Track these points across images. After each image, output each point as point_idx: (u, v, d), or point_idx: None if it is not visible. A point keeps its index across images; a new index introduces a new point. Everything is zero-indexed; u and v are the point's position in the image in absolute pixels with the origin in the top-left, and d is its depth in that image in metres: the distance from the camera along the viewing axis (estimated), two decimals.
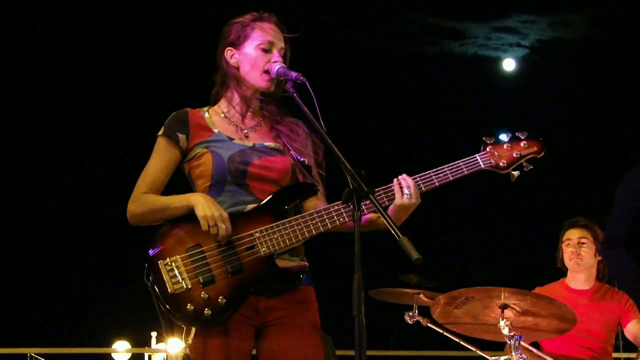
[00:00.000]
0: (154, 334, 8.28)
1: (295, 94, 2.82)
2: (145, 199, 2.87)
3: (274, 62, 2.92)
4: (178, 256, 2.76)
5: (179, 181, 2.99)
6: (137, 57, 7.98)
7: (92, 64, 7.95)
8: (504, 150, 2.99)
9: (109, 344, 8.12)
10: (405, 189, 2.83)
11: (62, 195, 8.25)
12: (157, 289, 2.73)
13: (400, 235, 2.40)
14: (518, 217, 8.46)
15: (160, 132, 2.95)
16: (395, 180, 2.87)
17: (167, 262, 2.75)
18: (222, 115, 2.99)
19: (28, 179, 8.16)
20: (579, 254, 4.73)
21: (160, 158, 2.92)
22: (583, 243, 4.74)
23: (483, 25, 8.96)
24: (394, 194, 2.86)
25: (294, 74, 2.85)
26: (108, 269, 7.90)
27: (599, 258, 4.76)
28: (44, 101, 8.02)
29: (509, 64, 9.39)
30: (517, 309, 4.07)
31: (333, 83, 7.80)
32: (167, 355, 7.47)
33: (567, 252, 4.78)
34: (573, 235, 4.77)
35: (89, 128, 8.20)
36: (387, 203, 2.86)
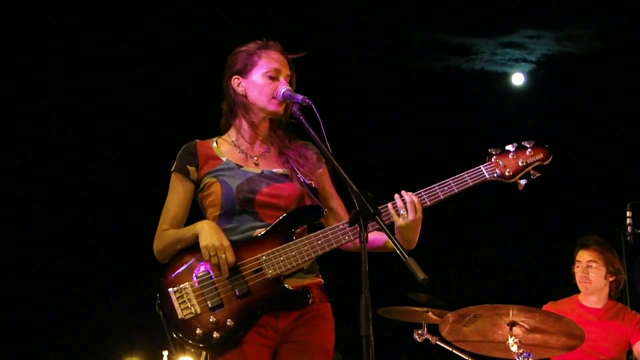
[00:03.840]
0: (165, 353, 8.27)
1: (301, 117, 2.86)
2: (164, 235, 2.95)
3: (281, 87, 2.96)
4: (187, 283, 2.82)
5: (198, 212, 3.06)
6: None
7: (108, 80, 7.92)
8: (509, 160, 2.97)
9: None
10: (400, 210, 2.84)
11: (72, 203, 8.13)
12: (168, 316, 2.78)
13: (407, 257, 2.41)
14: (527, 233, 8.43)
15: (173, 168, 3.02)
16: (396, 195, 2.87)
17: (177, 289, 2.81)
18: (231, 143, 3.04)
19: (35, 177, 7.98)
20: (587, 278, 4.73)
21: (176, 193, 3.00)
22: (591, 266, 4.73)
23: (489, 40, 8.95)
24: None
25: (300, 97, 2.89)
26: (118, 285, 7.85)
27: (611, 279, 4.75)
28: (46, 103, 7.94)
29: (517, 79, 9.37)
30: (526, 326, 4.07)
31: (337, 99, 7.79)
32: None
33: (577, 275, 4.78)
34: (583, 257, 4.77)
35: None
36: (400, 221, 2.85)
